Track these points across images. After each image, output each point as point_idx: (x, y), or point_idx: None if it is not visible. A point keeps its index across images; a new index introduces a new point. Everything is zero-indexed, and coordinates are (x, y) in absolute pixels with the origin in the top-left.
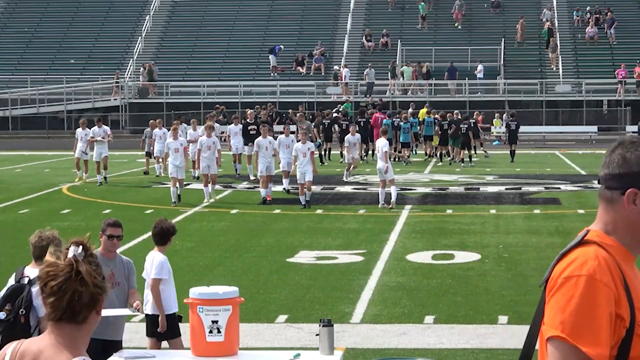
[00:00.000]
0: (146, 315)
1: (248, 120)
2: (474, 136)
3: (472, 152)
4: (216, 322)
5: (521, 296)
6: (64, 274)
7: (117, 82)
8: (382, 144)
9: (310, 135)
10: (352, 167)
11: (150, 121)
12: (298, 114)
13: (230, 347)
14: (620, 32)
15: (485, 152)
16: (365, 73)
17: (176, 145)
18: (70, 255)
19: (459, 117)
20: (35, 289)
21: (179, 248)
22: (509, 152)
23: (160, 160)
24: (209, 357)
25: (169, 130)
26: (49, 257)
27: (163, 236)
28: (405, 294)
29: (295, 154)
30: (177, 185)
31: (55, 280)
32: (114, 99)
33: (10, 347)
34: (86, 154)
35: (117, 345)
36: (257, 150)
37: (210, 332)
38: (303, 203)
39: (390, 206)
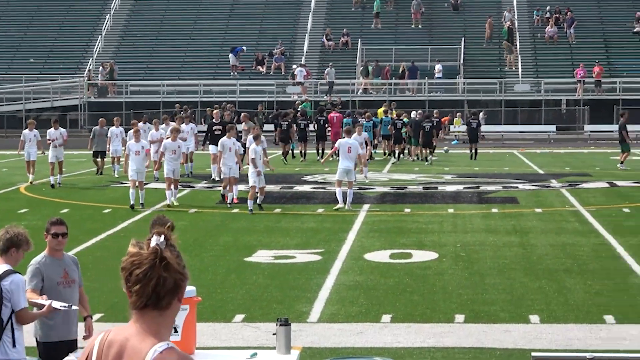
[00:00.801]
0: None
1: (213, 120)
2: (436, 134)
3: (429, 151)
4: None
5: (478, 295)
6: (149, 262)
7: (88, 80)
8: (354, 144)
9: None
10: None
11: (100, 119)
12: (242, 114)
13: (187, 347)
14: (580, 31)
15: (447, 148)
16: (326, 72)
17: (137, 148)
18: (153, 244)
19: (420, 116)
20: (5, 283)
21: None
22: (469, 150)
23: (116, 160)
24: None
25: (127, 130)
26: (131, 249)
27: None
28: (363, 293)
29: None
30: (138, 188)
31: (140, 268)
32: (74, 98)
33: (98, 338)
34: (33, 154)
35: (75, 345)
36: (221, 150)
37: None
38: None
39: (347, 207)
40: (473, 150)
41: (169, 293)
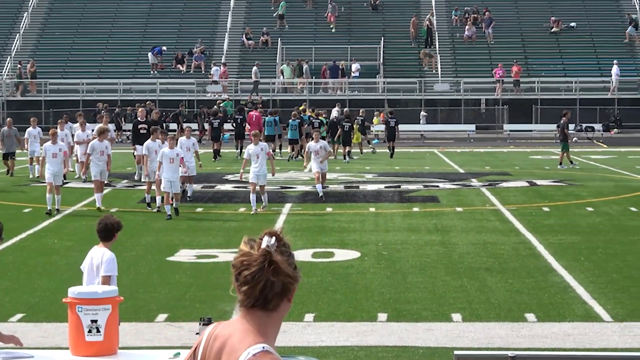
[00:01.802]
0: None
1: (139, 118)
2: (363, 133)
3: (348, 149)
4: (95, 321)
5: (400, 294)
6: (258, 264)
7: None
8: (264, 145)
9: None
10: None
11: (8, 119)
12: (154, 112)
13: (110, 347)
14: (498, 31)
15: (373, 149)
16: (253, 71)
17: (54, 150)
18: (263, 245)
19: (340, 114)
20: None
21: (57, 247)
22: (387, 148)
23: (35, 160)
24: (88, 357)
25: (45, 130)
26: (243, 247)
27: (108, 232)
28: None
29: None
30: (55, 193)
31: (248, 269)
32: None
33: (208, 329)
34: None
35: None
36: (146, 154)
37: (90, 331)
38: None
39: (264, 207)
40: (391, 149)
41: (277, 296)
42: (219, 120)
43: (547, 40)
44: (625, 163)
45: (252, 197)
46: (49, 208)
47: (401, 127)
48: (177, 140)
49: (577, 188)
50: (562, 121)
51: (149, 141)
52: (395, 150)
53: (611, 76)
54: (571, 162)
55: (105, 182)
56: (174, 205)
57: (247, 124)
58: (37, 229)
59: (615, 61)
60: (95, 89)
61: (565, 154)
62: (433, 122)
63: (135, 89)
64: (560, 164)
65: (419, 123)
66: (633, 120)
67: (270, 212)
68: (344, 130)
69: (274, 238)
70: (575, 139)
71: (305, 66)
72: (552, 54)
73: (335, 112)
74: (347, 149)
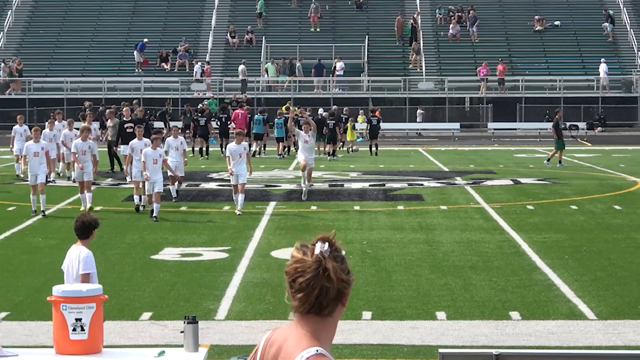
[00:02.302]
0: None
1: (124, 117)
2: (344, 131)
3: (333, 148)
4: (80, 319)
5: (385, 292)
6: (312, 271)
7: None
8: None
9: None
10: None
11: None
12: (107, 111)
13: (94, 345)
14: (482, 30)
15: (355, 148)
16: (240, 70)
17: (36, 149)
18: (317, 251)
19: (325, 113)
20: None
21: (42, 245)
22: (369, 147)
23: (21, 158)
24: (72, 356)
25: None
26: (295, 253)
27: (85, 230)
28: (270, 290)
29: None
30: (39, 192)
31: (303, 277)
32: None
33: (265, 336)
34: None
35: None
36: (130, 153)
37: (74, 330)
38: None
39: (239, 210)
40: (373, 147)
41: (332, 301)
42: (205, 119)
43: (531, 38)
44: (609, 161)
45: (236, 197)
46: (33, 209)
47: (386, 125)
48: (165, 139)
49: (561, 186)
50: (555, 119)
51: (134, 140)
52: (378, 147)
53: (598, 74)
54: (560, 162)
55: (92, 181)
56: (154, 212)
57: (232, 122)
58: (22, 227)
59: (602, 59)
60: (79, 87)
61: (558, 153)
62: (417, 121)
63: (119, 87)
64: (548, 160)
65: (415, 121)
66: (617, 118)
67: (255, 210)
68: (328, 128)
69: (327, 244)
70: None
71: (298, 64)
72: (536, 52)
73: (321, 111)
74: (332, 147)
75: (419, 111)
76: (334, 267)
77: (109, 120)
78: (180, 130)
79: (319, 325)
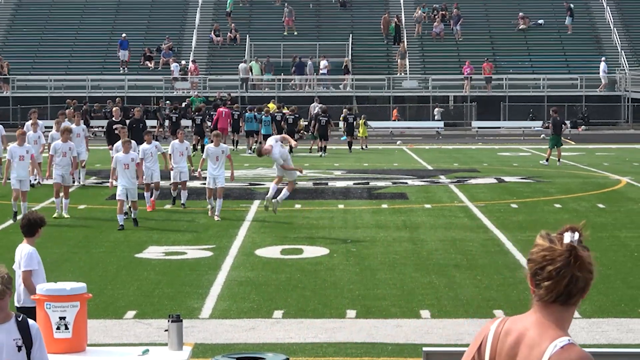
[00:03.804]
0: (18, 308)
1: (113, 118)
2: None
3: (325, 144)
4: (64, 318)
5: (369, 290)
6: (563, 259)
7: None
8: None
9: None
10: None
11: None
12: (67, 111)
13: (78, 344)
14: (466, 28)
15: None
16: (241, 68)
17: (21, 152)
18: (566, 240)
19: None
20: None
21: None
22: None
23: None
24: (56, 354)
25: (12, 127)
26: (541, 241)
27: (30, 228)
28: (254, 289)
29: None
30: (21, 199)
31: (553, 264)
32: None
33: (493, 324)
34: None
35: None
36: (142, 157)
37: (58, 328)
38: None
39: (217, 215)
40: (347, 144)
41: (580, 291)
42: (201, 117)
43: (515, 37)
44: (593, 160)
45: (211, 201)
46: (14, 210)
47: (372, 124)
48: (157, 137)
49: (545, 185)
50: (553, 117)
51: (118, 142)
52: (352, 144)
53: (582, 73)
54: (546, 160)
55: (70, 185)
56: (132, 215)
57: (215, 120)
58: (5, 226)
59: (603, 58)
60: (63, 85)
61: (558, 150)
62: (402, 119)
63: (103, 86)
64: (559, 160)
65: (433, 119)
66: (600, 117)
67: (239, 209)
68: (320, 124)
69: (577, 233)
70: (543, 135)
71: (297, 61)
72: (520, 51)
73: (316, 108)
74: (324, 143)
75: (436, 109)
76: (585, 257)
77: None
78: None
79: (562, 315)
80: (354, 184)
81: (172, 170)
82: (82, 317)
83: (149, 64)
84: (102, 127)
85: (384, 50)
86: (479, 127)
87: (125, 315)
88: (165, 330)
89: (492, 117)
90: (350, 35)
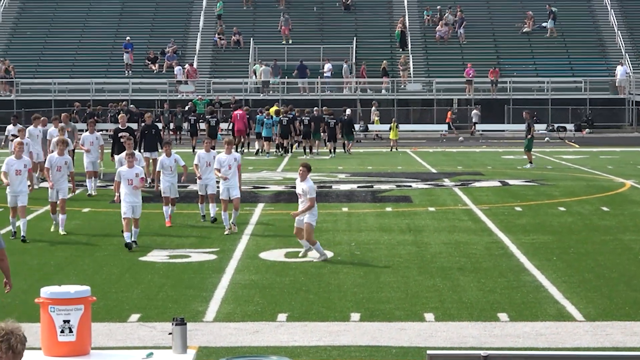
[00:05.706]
0: None
1: (120, 125)
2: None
3: (334, 145)
4: (68, 321)
5: (373, 293)
6: None
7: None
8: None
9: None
10: None
11: None
12: (62, 115)
13: (82, 347)
14: (470, 31)
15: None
16: (260, 70)
17: (18, 166)
18: None
19: (320, 113)
20: None
21: (29, 247)
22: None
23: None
24: (60, 357)
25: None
26: None
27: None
28: (258, 292)
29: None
30: (20, 215)
31: None
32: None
33: None
34: None
35: None
36: (160, 169)
37: (62, 331)
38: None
39: (233, 227)
40: (332, 150)
41: None
42: (216, 119)
43: (519, 40)
44: (597, 163)
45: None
46: (13, 230)
47: (375, 126)
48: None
49: (549, 188)
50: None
51: (163, 157)
52: (336, 150)
53: (586, 75)
54: (530, 162)
55: (66, 198)
56: (132, 237)
57: (231, 122)
58: (8, 229)
59: (621, 61)
60: (67, 88)
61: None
62: (406, 122)
63: (107, 89)
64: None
65: (472, 121)
66: (605, 120)
67: (243, 212)
68: (329, 127)
69: None
70: (547, 139)
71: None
72: (524, 54)
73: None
74: (332, 145)
75: (474, 112)
76: None
77: (63, 123)
78: (172, 132)
79: None
80: (358, 186)
81: (201, 179)
82: (86, 320)
83: (153, 67)
84: (107, 130)
85: (388, 53)
86: (482, 130)
87: (129, 319)
88: (170, 334)
89: (496, 120)
90: (355, 38)
